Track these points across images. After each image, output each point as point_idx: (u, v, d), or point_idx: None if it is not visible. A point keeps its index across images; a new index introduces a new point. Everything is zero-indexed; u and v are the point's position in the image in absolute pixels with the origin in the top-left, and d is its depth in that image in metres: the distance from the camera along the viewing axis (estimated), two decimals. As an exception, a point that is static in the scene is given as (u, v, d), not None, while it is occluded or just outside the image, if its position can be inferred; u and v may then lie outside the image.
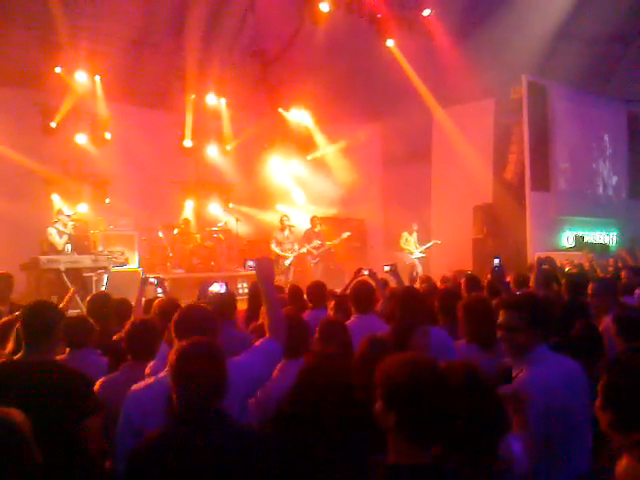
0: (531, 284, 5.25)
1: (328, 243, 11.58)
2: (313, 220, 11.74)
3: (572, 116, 12.74)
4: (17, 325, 3.16)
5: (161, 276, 6.28)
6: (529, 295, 3.50)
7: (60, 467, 2.03)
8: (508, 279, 5.49)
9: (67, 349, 3.55)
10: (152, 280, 4.92)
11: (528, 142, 11.83)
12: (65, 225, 8.66)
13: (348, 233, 11.67)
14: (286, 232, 11.17)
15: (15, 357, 2.87)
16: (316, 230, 11.61)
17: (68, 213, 8.71)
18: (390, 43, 11.67)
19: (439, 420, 1.74)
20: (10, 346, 3.22)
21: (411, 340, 3.04)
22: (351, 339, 3.32)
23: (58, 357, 3.59)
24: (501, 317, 2.74)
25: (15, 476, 1.60)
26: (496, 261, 4.43)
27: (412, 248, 11.90)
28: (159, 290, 4.97)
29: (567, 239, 12.51)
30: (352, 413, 2.22)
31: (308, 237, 11.54)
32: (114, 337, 3.96)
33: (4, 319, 3.86)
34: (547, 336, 2.76)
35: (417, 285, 6.73)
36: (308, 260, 11.47)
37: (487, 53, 10.38)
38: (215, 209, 13.59)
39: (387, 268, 5.23)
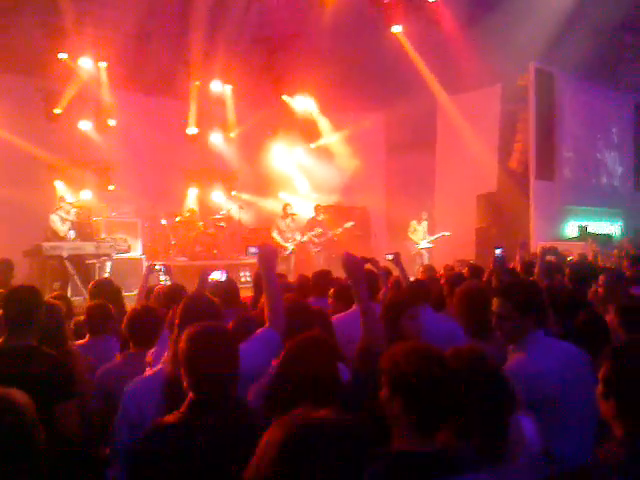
0: (535, 273, 5.24)
1: (331, 232, 11.56)
2: (317, 208, 11.72)
3: (578, 105, 12.64)
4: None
5: (167, 263, 6.27)
6: (518, 282, 3.49)
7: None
8: (515, 266, 5.49)
9: (87, 335, 3.57)
10: (158, 267, 4.92)
11: (534, 130, 11.74)
12: (68, 212, 8.66)
13: (352, 223, 11.64)
14: (288, 220, 11.16)
15: None
16: (319, 219, 11.59)
17: (70, 200, 8.71)
18: (396, 29, 11.56)
19: (445, 406, 1.75)
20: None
21: (400, 322, 3.04)
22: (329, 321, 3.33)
23: (78, 342, 3.63)
24: (494, 305, 2.76)
25: (24, 454, 1.61)
26: (498, 251, 4.41)
27: (420, 238, 11.87)
28: (162, 277, 4.98)
29: (571, 229, 12.45)
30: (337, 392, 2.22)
31: (310, 225, 11.54)
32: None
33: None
34: (542, 322, 2.75)
35: (418, 275, 6.72)
36: (310, 248, 11.46)
37: (494, 39, 10.25)
38: (218, 197, 13.58)
39: (389, 257, 5.20)
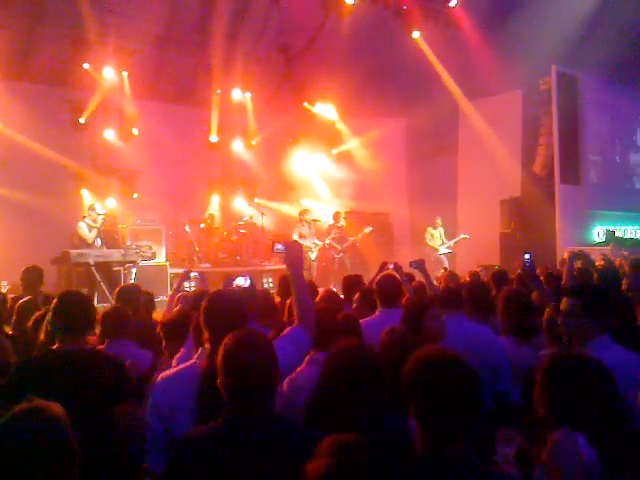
0: (563, 279, 5.15)
1: (351, 238, 11.54)
2: (336, 215, 11.72)
3: (603, 107, 12.47)
4: (48, 316, 3.22)
5: (203, 270, 6.26)
6: (590, 284, 3.48)
7: (95, 452, 2.05)
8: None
9: (106, 340, 3.60)
10: (194, 274, 4.97)
11: (558, 134, 11.60)
12: (95, 220, 8.77)
13: (370, 228, 11.62)
14: (307, 227, 11.17)
15: (52, 347, 2.91)
16: (339, 225, 11.59)
17: (100, 211, 8.79)
18: (416, 35, 11.54)
19: (453, 415, 1.74)
20: (42, 337, 3.27)
21: (423, 323, 3.03)
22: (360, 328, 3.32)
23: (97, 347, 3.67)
24: (562, 304, 2.79)
25: (56, 469, 1.63)
26: (527, 256, 4.35)
27: (438, 244, 11.78)
28: (186, 284, 5.01)
29: (597, 234, 12.26)
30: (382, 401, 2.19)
31: (329, 231, 11.56)
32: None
33: (39, 312, 3.90)
34: (607, 326, 2.72)
35: (438, 280, 6.66)
36: (332, 255, 11.45)
37: (515, 43, 10.19)
38: (240, 204, 13.65)
39: (414, 266, 5.19)
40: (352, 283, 4.96)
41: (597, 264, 7.15)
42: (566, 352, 2.12)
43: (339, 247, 11.37)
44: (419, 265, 5.14)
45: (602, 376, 1.95)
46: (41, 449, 1.61)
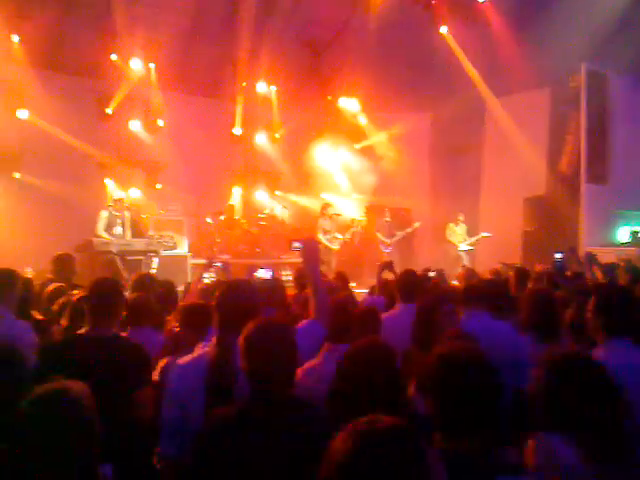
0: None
1: (399, 232, 11.55)
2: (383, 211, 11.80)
3: (632, 106, 12.18)
4: (74, 302, 3.27)
5: (227, 260, 6.21)
6: (614, 284, 3.44)
7: (114, 435, 2.09)
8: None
9: (128, 327, 3.66)
10: (218, 264, 4.99)
11: (585, 133, 11.42)
12: (119, 210, 8.86)
13: (419, 223, 11.60)
14: (328, 221, 11.16)
15: (79, 332, 2.99)
16: (387, 220, 11.61)
17: (116, 196, 8.91)
18: (444, 30, 11.44)
19: (471, 412, 1.74)
20: (64, 322, 3.32)
21: (436, 318, 3.02)
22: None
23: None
24: (590, 303, 2.79)
25: (77, 448, 1.66)
26: (558, 255, 4.33)
27: (459, 240, 11.70)
28: (205, 275, 5.03)
29: (623, 234, 12.05)
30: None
31: (380, 227, 11.60)
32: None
33: (63, 298, 3.97)
34: (619, 329, 2.66)
35: (458, 278, 6.62)
36: (381, 249, 11.48)
37: (544, 40, 10.02)
38: (262, 196, 13.70)
39: (432, 274, 5.22)
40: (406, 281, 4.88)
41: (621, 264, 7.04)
42: (566, 353, 2.09)
43: (388, 242, 11.42)
44: (438, 272, 5.17)
45: (599, 380, 1.91)
46: (62, 430, 1.65)
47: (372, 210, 13.55)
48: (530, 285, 4.80)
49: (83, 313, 3.07)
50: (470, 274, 6.49)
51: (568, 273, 5.40)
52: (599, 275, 4.44)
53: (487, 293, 4.18)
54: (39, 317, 4.11)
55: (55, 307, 3.90)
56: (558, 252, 4.38)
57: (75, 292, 4.14)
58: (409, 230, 11.57)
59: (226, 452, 1.95)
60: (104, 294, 2.98)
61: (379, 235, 11.46)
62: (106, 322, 2.93)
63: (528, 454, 1.76)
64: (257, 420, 1.97)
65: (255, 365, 2.03)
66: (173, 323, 3.50)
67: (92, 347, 2.80)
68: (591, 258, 4.70)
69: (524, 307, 3.52)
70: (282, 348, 2.03)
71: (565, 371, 1.91)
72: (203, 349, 2.67)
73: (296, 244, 3.03)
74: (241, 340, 2.08)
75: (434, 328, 3.01)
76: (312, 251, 2.82)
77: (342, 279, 5.23)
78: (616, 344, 2.61)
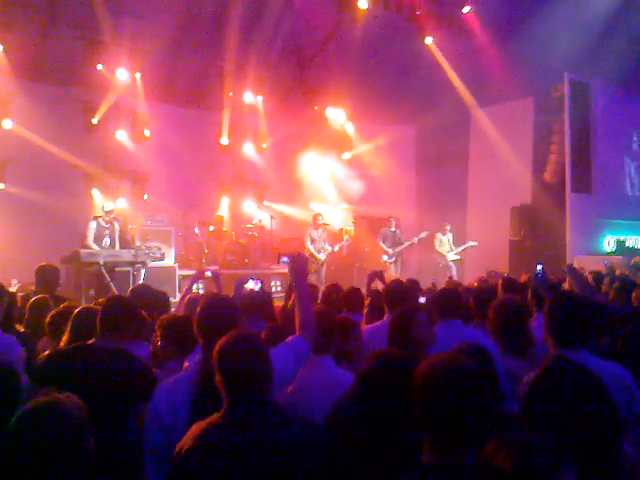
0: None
1: (407, 243, 11.43)
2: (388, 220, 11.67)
3: (615, 115, 12.38)
4: (73, 317, 3.26)
5: (217, 270, 6.12)
6: (564, 295, 3.42)
7: (112, 449, 2.07)
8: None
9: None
10: (208, 274, 4.92)
11: (569, 142, 11.56)
12: (108, 222, 8.80)
13: (426, 232, 11.53)
14: (319, 231, 11.10)
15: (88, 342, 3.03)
16: (392, 230, 11.50)
17: (107, 208, 8.85)
18: (429, 41, 11.54)
19: (454, 424, 1.74)
20: (66, 338, 3.25)
21: (412, 331, 3.02)
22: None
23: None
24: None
25: (68, 463, 1.63)
26: (539, 267, 4.32)
27: (446, 250, 11.74)
28: (194, 286, 4.96)
29: (608, 243, 12.19)
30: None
31: (385, 237, 11.44)
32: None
33: (54, 311, 3.93)
34: (573, 340, 2.68)
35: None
36: (384, 260, 11.32)
37: (528, 51, 10.17)
38: (250, 206, 13.69)
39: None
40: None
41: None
42: (565, 360, 2.08)
43: (391, 252, 11.23)
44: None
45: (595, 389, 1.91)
46: (53, 444, 1.62)
47: (360, 220, 13.60)
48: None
49: (82, 327, 3.13)
50: (454, 285, 6.50)
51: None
52: (575, 287, 4.44)
53: (472, 303, 4.20)
54: (21, 330, 4.06)
55: (47, 320, 3.85)
56: (539, 263, 4.37)
57: (67, 304, 4.11)
58: (416, 240, 11.47)
59: (202, 466, 1.95)
60: (113, 311, 3.10)
61: (382, 245, 11.33)
62: (112, 336, 3.00)
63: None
64: (233, 429, 1.97)
65: (226, 377, 2.04)
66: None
67: (93, 356, 2.83)
68: (571, 270, 4.71)
69: (490, 318, 3.47)
70: (252, 358, 2.05)
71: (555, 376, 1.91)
72: (187, 367, 2.66)
73: (284, 258, 3.00)
74: (214, 354, 2.09)
75: (408, 338, 3.01)
76: (300, 266, 2.84)
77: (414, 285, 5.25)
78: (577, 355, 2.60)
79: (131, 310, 3.19)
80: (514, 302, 3.56)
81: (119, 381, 2.72)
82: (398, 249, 11.36)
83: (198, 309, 2.61)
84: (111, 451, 2.04)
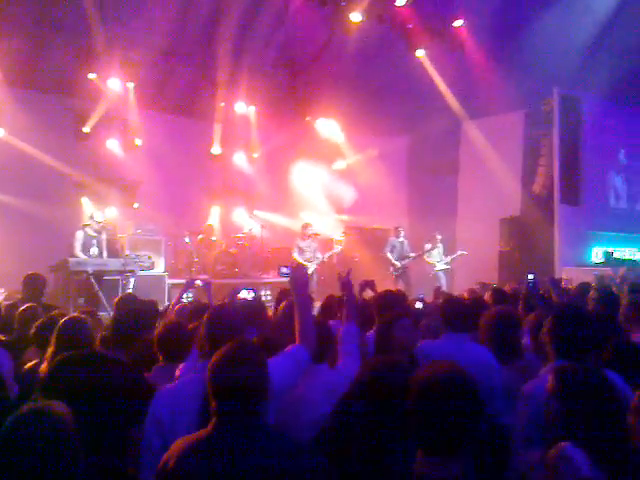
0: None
1: (412, 254, 11.36)
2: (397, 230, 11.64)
3: (604, 129, 12.53)
4: (58, 328, 3.22)
5: (209, 279, 6.10)
6: (556, 307, 3.44)
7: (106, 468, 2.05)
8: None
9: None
10: (198, 283, 4.90)
11: (558, 155, 11.67)
12: (97, 230, 8.76)
13: (430, 245, 11.48)
14: (308, 241, 11.07)
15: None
16: (400, 240, 11.45)
17: (99, 219, 8.82)
18: (420, 53, 11.65)
19: (446, 435, 1.75)
20: (51, 349, 3.21)
21: (392, 334, 3.06)
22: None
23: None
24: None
25: (56, 470, 1.62)
26: (530, 277, 4.34)
27: (436, 260, 11.77)
28: (184, 295, 4.95)
29: (596, 254, 12.29)
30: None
31: (392, 247, 11.36)
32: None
33: (39, 322, 3.88)
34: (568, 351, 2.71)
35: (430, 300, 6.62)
36: (390, 272, 11.28)
37: (519, 64, 10.29)
38: (240, 216, 13.69)
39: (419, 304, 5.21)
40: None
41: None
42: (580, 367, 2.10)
43: (398, 264, 11.13)
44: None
45: (606, 392, 1.94)
46: (43, 451, 1.61)
47: (350, 230, 13.63)
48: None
49: (68, 337, 3.10)
50: (441, 296, 6.51)
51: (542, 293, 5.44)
52: (555, 299, 4.47)
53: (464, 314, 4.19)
54: (2, 338, 4.02)
55: (32, 331, 3.80)
56: (530, 273, 4.40)
57: (54, 313, 4.07)
58: (425, 252, 11.47)
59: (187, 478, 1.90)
60: (125, 323, 3.26)
61: (389, 256, 11.25)
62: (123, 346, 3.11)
63: (548, 468, 1.76)
64: (219, 446, 1.91)
65: (218, 388, 1.98)
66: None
67: (102, 368, 2.80)
68: (554, 282, 4.74)
69: (484, 328, 3.48)
70: (243, 375, 1.97)
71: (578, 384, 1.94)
72: (189, 374, 2.64)
73: (284, 270, 3.00)
74: (210, 365, 2.03)
75: (392, 342, 3.03)
76: (300, 277, 2.86)
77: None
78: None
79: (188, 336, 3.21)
80: (507, 313, 3.57)
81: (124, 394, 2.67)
82: (405, 262, 11.31)
83: (206, 318, 2.60)
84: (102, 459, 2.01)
